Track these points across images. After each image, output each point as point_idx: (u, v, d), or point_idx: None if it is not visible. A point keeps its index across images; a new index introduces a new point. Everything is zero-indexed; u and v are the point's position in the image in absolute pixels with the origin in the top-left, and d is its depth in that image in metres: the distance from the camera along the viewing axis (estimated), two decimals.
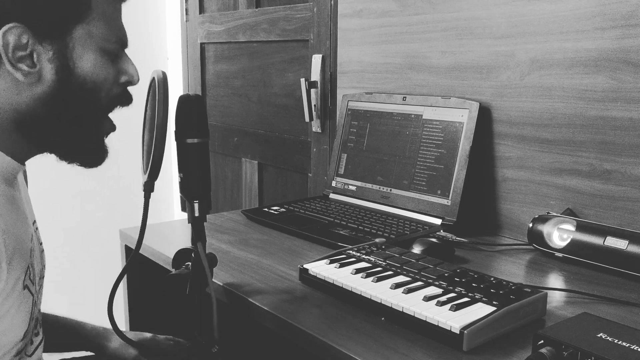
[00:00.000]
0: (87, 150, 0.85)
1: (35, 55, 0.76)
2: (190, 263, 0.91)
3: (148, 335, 1.10)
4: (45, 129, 0.80)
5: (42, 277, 0.90)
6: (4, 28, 0.73)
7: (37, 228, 0.90)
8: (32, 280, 0.81)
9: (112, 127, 0.87)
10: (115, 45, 0.83)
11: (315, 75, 1.76)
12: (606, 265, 1.03)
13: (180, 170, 0.89)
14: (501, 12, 1.25)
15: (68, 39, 0.78)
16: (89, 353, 1.10)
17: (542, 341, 0.70)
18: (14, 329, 0.77)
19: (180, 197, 0.90)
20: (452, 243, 1.16)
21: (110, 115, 0.87)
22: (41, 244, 0.91)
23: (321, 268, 0.96)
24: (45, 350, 1.05)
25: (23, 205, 0.85)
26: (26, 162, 0.85)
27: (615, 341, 0.67)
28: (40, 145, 0.83)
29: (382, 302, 0.84)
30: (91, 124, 0.84)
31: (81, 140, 0.84)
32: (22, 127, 0.79)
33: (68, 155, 0.85)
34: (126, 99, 0.87)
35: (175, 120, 0.87)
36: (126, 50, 0.87)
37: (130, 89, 0.88)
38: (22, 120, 0.78)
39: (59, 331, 1.08)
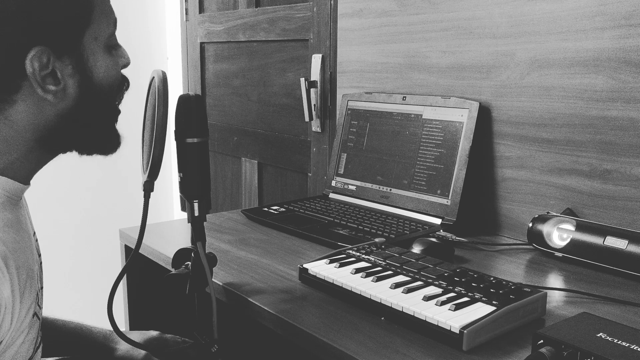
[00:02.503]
0: (104, 139, 0.86)
1: (58, 73, 0.76)
2: (190, 263, 0.91)
3: (154, 333, 1.10)
4: (68, 137, 0.81)
5: (41, 288, 0.90)
6: (30, 54, 0.73)
7: (36, 239, 0.90)
8: (39, 305, 0.81)
9: (118, 111, 0.88)
10: (114, 36, 0.83)
11: (315, 75, 1.76)
12: (606, 265, 1.03)
13: (180, 170, 0.89)
14: (501, 11, 1.25)
15: (81, 48, 0.78)
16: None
17: (541, 341, 0.70)
18: (21, 356, 0.77)
19: (180, 196, 0.90)
20: (451, 243, 1.16)
21: None
22: (40, 255, 0.91)
23: (321, 268, 0.96)
24: (53, 355, 1.05)
25: (27, 224, 0.85)
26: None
27: (615, 341, 0.67)
28: (62, 150, 0.84)
29: (382, 302, 0.84)
30: (107, 118, 0.85)
31: (99, 134, 0.85)
32: (45, 143, 0.80)
33: (87, 149, 0.86)
34: (126, 83, 0.88)
35: (175, 120, 0.87)
36: (126, 49, 0.87)
37: (131, 89, 0.89)
38: (44, 137, 0.79)
39: (68, 336, 1.08)
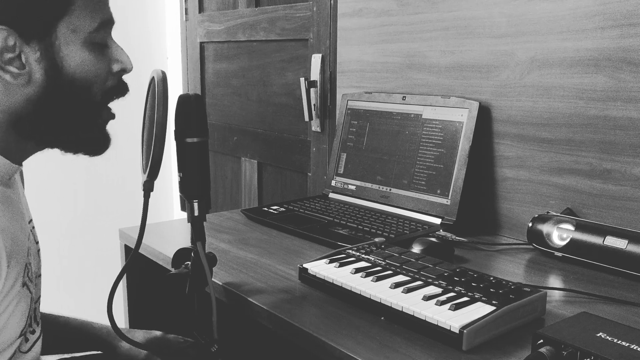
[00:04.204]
0: (89, 140, 0.86)
1: (23, 57, 0.76)
2: (189, 262, 0.91)
3: (158, 333, 1.10)
4: (41, 127, 0.81)
5: (39, 276, 0.90)
6: None
7: (33, 227, 0.90)
8: (30, 278, 0.81)
9: (111, 115, 0.87)
10: (101, 33, 0.81)
11: (315, 75, 1.76)
12: (606, 265, 1.03)
13: (179, 169, 0.89)
14: (501, 11, 1.25)
15: (53, 37, 0.77)
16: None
17: (541, 340, 0.70)
18: (12, 327, 0.77)
19: (180, 196, 0.90)
20: (451, 242, 1.16)
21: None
22: (37, 242, 0.91)
23: (321, 267, 0.96)
24: (56, 352, 1.06)
25: (19, 204, 0.85)
26: (25, 162, 0.85)
27: (615, 340, 0.67)
28: (39, 142, 0.84)
29: (382, 302, 0.84)
30: (88, 117, 0.84)
31: (80, 132, 0.84)
32: (18, 128, 0.79)
33: (70, 147, 0.85)
34: (122, 89, 0.86)
35: (175, 120, 0.87)
36: (126, 49, 0.86)
37: (131, 87, 0.88)
38: (16, 121, 0.79)
39: (70, 332, 1.08)
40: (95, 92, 0.82)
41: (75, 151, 0.86)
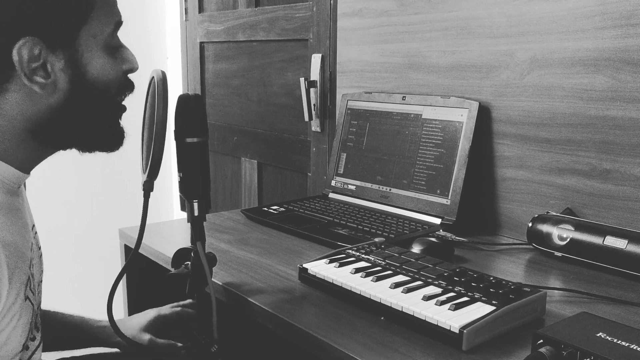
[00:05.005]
0: (105, 137, 0.86)
1: (49, 66, 0.76)
2: (189, 262, 0.91)
3: (153, 314, 1.10)
4: (59, 133, 0.81)
5: (40, 282, 0.90)
6: (19, 44, 0.73)
7: (36, 232, 0.90)
8: (32, 290, 0.81)
9: (123, 108, 0.87)
10: (115, 36, 0.82)
11: (315, 75, 1.76)
12: (605, 265, 1.03)
13: (179, 169, 0.89)
14: (501, 11, 1.25)
15: (76, 44, 0.77)
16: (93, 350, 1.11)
17: (541, 340, 0.70)
18: (14, 341, 0.77)
19: (180, 196, 0.90)
20: (451, 242, 1.16)
21: None
22: (40, 248, 0.91)
23: (320, 267, 0.96)
24: (55, 349, 1.06)
25: (24, 213, 0.85)
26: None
27: (615, 340, 0.67)
28: (58, 146, 0.84)
29: (382, 302, 0.84)
30: (106, 116, 0.85)
31: (98, 131, 0.85)
32: (38, 135, 0.79)
33: (87, 147, 0.86)
34: (131, 86, 0.87)
35: (175, 120, 0.87)
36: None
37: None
38: (36, 129, 0.79)
39: (70, 330, 1.08)
40: (113, 93, 0.83)
41: (92, 150, 0.86)
